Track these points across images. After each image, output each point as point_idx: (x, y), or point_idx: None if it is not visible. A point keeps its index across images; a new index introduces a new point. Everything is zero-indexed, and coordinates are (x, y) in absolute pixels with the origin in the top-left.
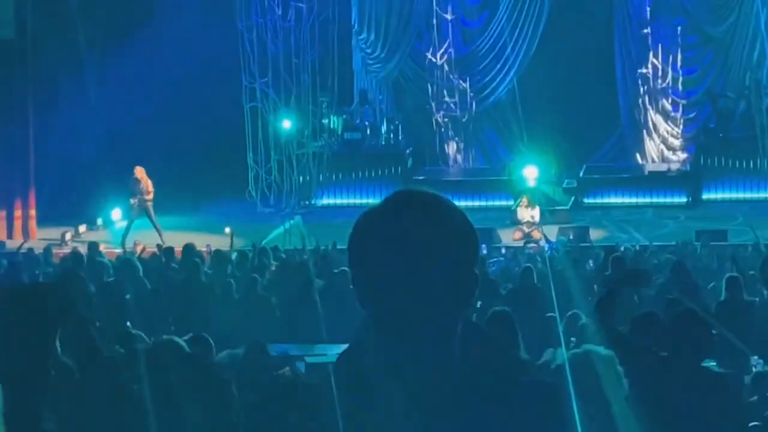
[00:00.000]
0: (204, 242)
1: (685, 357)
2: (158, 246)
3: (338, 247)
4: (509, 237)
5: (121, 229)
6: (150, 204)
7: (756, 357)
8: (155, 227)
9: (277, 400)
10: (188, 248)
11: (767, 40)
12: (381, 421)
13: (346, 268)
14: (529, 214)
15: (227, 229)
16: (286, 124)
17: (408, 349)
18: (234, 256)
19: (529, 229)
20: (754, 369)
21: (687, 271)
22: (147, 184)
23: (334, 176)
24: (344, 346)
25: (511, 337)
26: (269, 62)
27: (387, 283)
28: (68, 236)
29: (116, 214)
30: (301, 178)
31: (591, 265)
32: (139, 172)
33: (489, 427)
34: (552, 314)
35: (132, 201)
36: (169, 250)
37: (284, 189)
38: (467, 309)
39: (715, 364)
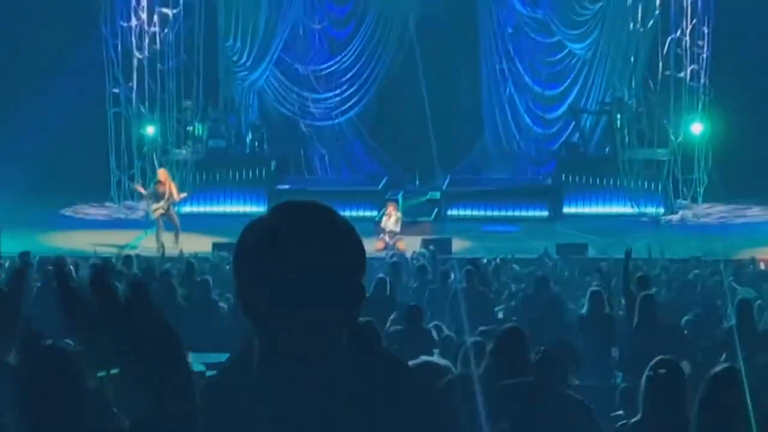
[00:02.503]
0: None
1: (550, 385)
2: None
3: (200, 255)
4: (372, 247)
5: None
6: (172, 207)
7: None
8: (176, 230)
9: None
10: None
11: (629, 57)
12: None
13: (208, 277)
14: (393, 222)
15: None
16: (150, 131)
17: (293, 359)
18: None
19: (392, 240)
20: (618, 383)
21: (549, 286)
22: (171, 187)
23: (197, 183)
24: (207, 355)
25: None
26: (133, 68)
27: (272, 294)
28: None
29: None
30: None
31: (452, 277)
32: (162, 174)
33: None
34: (426, 327)
35: (155, 206)
36: (25, 255)
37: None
38: (354, 320)
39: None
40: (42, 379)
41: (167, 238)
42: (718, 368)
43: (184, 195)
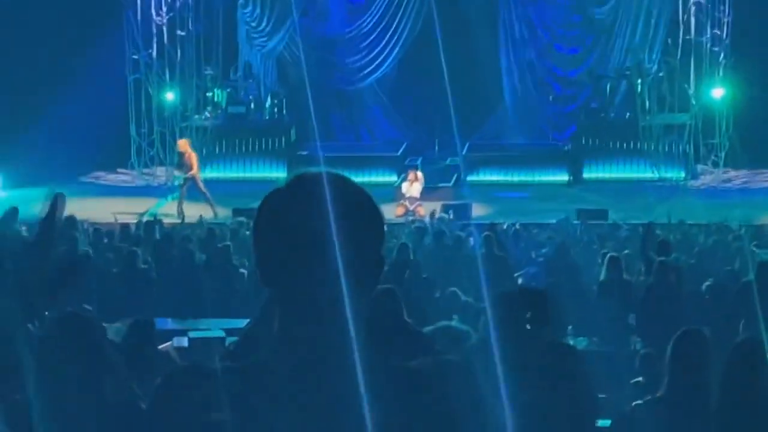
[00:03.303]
0: (85, 212)
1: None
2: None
3: (218, 221)
4: (391, 213)
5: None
6: (197, 178)
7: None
8: (207, 200)
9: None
10: (69, 220)
11: (649, 21)
12: (279, 403)
13: (229, 243)
14: (415, 188)
15: None
16: (170, 97)
17: (312, 328)
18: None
19: (412, 206)
20: (637, 349)
21: (569, 252)
22: (191, 158)
23: (217, 150)
24: (228, 321)
25: (397, 314)
26: (153, 34)
27: (292, 263)
28: None
29: None
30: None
31: (471, 242)
32: (183, 145)
33: (394, 407)
34: (437, 292)
35: (177, 173)
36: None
37: (166, 162)
38: (373, 289)
39: (583, 340)
40: (64, 347)
41: (201, 209)
42: (739, 339)
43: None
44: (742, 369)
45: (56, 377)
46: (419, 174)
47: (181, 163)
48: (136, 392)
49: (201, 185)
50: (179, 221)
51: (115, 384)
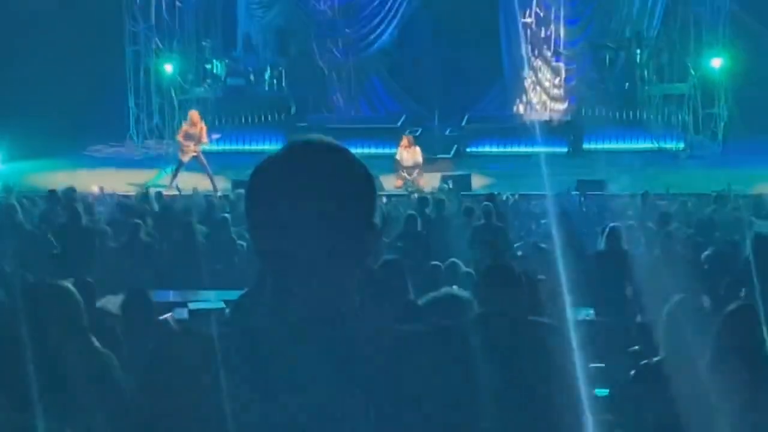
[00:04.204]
0: (90, 183)
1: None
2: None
3: (219, 194)
4: (391, 185)
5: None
6: (199, 149)
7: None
8: (207, 173)
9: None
10: (70, 192)
11: None
12: (273, 371)
13: (227, 215)
14: (410, 156)
15: None
16: (168, 69)
17: (305, 297)
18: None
19: (412, 177)
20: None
21: (569, 222)
22: (201, 129)
23: (216, 122)
24: (227, 293)
25: (401, 285)
26: (152, 5)
27: (285, 232)
28: None
29: None
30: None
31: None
32: (194, 116)
33: (389, 375)
34: (436, 262)
35: (186, 145)
36: (53, 193)
37: (166, 134)
38: (366, 258)
39: (592, 312)
40: (34, 313)
41: (198, 181)
42: (733, 305)
43: (216, 136)
44: (734, 334)
45: (23, 341)
46: (411, 139)
47: (188, 134)
48: (111, 361)
49: (202, 158)
50: (177, 193)
51: (86, 351)
